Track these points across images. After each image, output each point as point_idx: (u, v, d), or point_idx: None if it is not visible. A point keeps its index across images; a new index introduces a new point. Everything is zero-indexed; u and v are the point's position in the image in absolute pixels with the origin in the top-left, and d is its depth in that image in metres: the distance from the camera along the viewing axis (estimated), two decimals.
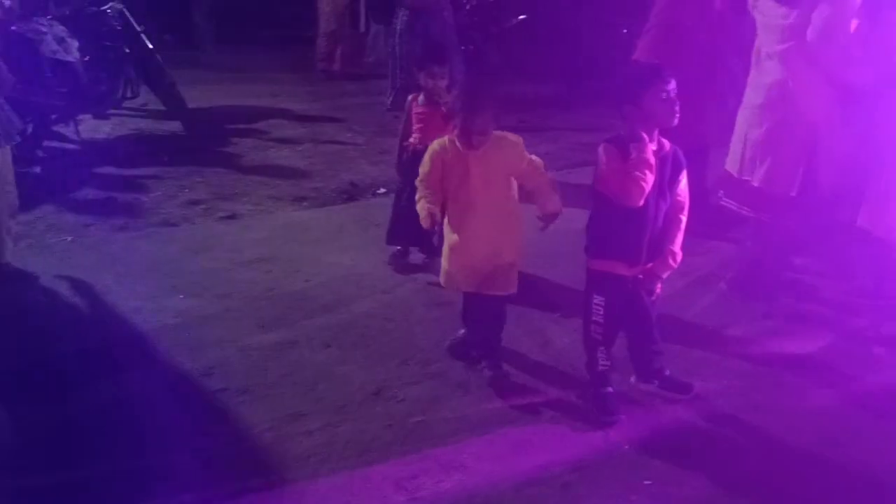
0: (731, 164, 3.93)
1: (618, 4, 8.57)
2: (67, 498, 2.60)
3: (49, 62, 6.16)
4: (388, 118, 7.92)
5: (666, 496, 2.62)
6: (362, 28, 11.73)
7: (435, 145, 3.16)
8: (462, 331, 3.43)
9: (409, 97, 4.25)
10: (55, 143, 6.55)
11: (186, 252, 4.34)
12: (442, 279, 3.28)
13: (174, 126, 7.29)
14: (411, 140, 4.07)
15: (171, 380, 3.26)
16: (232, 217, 5.16)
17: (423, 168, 3.17)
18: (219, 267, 4.31)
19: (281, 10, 12.68)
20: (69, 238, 4.75)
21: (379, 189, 5.75)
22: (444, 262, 3.24)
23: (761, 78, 3.78)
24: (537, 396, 3.15)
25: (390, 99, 7.40)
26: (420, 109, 4.08)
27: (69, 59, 6.32)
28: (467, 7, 8.74)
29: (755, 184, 3.78)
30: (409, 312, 3.82)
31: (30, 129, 6.11)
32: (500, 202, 3.14)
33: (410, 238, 4.21)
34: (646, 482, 2.67)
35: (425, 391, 3.18)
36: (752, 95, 3.83)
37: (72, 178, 5.86)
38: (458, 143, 3.08)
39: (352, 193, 5.70)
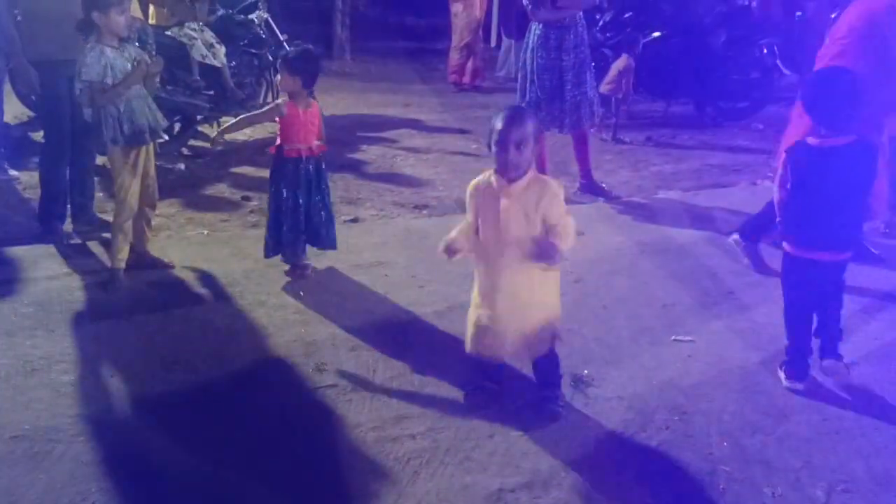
0: None
1: (758, 23, 8.28)
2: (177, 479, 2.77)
3: (197, 66, 6.58)
4: None
5: None
6: (494, 42, 11.85)
7: (471, 186, 3.00)
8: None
9: None
10: (199, 143, 6.98)
11: (310, 253, 4.51)
12: (467, 344, 3.06)
13: None
14: None
15: (284, 373, 3.39)
16: (355, 220, 5.32)
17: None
18: (339, 268, 4.46)
19: (416, 22, 12.97)
20: (205, 232, 5.04)
21: None
22: (468, 323, 3.04)
23: None
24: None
25: None
26: None
27: (217, 63, 6.73)
28: (601, 23, 8.65)
29: None
30: None
31: (177, 129, 6.56)
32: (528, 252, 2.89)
33: None
34: None
35: (528, 404, 3.16)
36: None
37: (212, 176, 6.23)
38: (493, 180, 2.90)
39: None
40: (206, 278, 4.28)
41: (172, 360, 3.46)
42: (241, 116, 4.68)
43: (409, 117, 8.58)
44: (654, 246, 4.87)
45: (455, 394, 3.22)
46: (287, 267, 4.32)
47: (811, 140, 3.23)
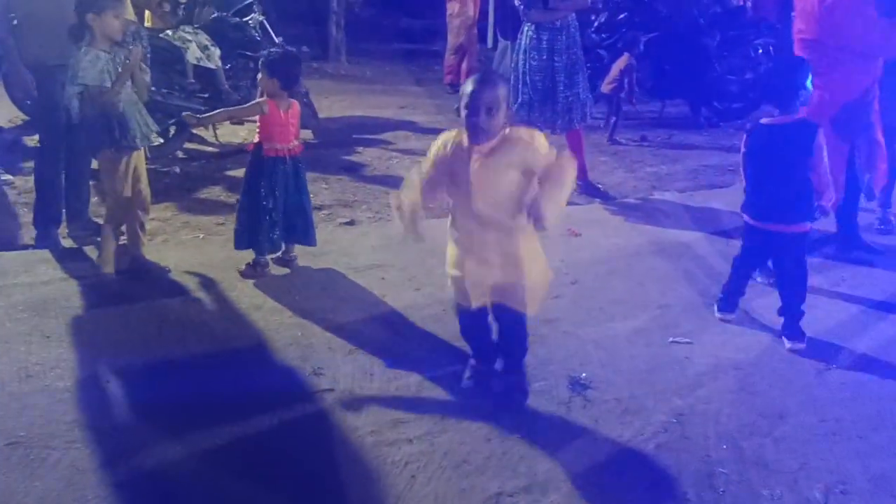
0: None
1: (753, 23, 8.29)
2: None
3: (192, 68, 6.57)
4: None
5: None
6: (490, 44, 11.85)
7: (440, 139, 2.92)
8: (472, 361, 3.27)
9: None
10: (195, 146, 6.97)
11: (305, 255, 4.50)
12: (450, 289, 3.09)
13: (305, 134, 7.59)
14: None
15: (281, 377, 3.38)
16: (351, 223, 5.31)
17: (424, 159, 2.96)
18: (335, 271, 4.45)
19: (412, 24, 12.97)
20: (201, 235, 5.03)
21: None
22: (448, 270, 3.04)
23: None
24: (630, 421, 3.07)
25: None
26: None
27: (211, 66, 6.72)
28: (595, 24, 8.66)
29: None
30: None
31: (172, 132, 6.54)
32: (506, 215, 2.86)
33: None
34: None
35: (527, 407, 3.16)
36: None
37: (207, 179, 6.22)
38: (464, 140, 2.82)
39: None
40: (203, 282, 4.26)
41: (169, 365, 3.45)
42: (222, 110, 4.70)
43: (405, 119, 8.57)
44: (650, 247, 4.87)
45: (452, 397, 3.21)
46: (248, 261, 4.31)
47: (764, 120, 3.65)
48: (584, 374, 3.38)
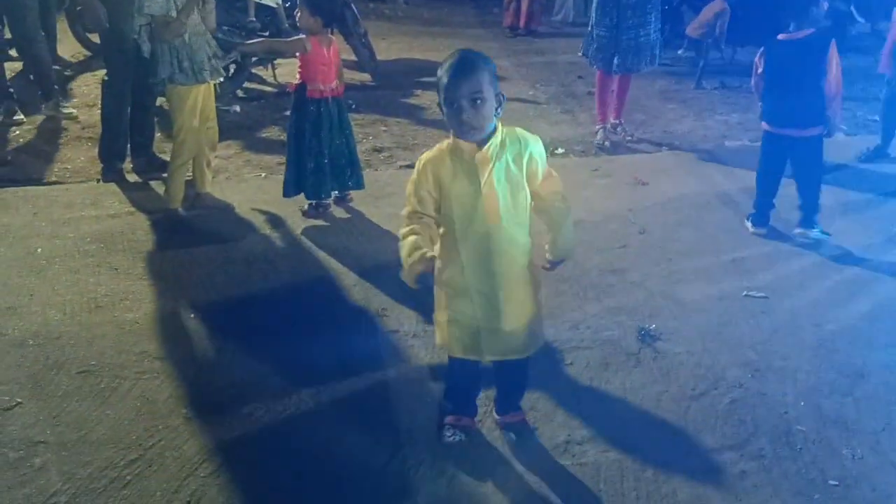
0: None
1: None
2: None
3: (254, 6, 6.49)
4: (571, 78, 7.76)
5: None
6: None
7: (424, 161, 2.32)
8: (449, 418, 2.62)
9: None
10: (255, 85, 6.93)
11: (368, 197, 4.45)
12: (438, 338, 2.50)
13: (363, 76, 7.51)
14: None
15: (346, 315, 3.36)
16: (411, 166, 5.19)
17: (409, 188, 2.36)
18: (396, 213, 4.38)
19: None
20: (263, 174, 5.01)
21: (557, 149, 5.63)
22: (438, 315, 2.47)
23: None
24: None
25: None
26: None
27: (272, 3, 6.63)
28: None
29: None
30: (584, 274, 3.72)
31: (231, 71, 6.50)
32: (523, 230, 2.36)
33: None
34: None
35: (595, 356, 3.09)
36: None
37: (266, 118, 6.18)
38: (463, 148, 2.26)
39: None
40: (267, 220, 4.25)
41: (234, 299, 3.47)
42: (263, 39, 4.59)
43: None
44: (721, 197, 4.70)
45: None
46: (310, 201, 4.28)
47: (782, 36, 3.98)
48: (653, 326, 3.29)
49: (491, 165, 2.25)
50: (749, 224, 4.21)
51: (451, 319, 2.41)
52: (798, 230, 4.09)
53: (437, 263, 2.31)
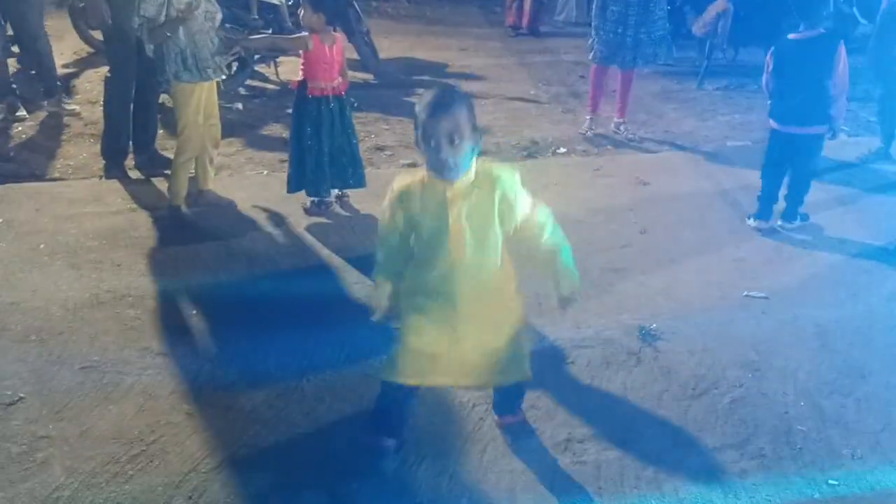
0: None
1: None
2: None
3: (257, 4, 6.50)
4: (574, 78, 7.76)
5: None
6: None
7: (397, 190, 2.27)
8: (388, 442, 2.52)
9: None
10: (257, 83, 6.94)
11: (369, 195, 4.45)
12: (397, 374, 2.39)
13: (366, 74, 7.51)
14: None
15: (348, 311, 3.36)
16: (413, 165, 5.24)
17: (385, 202, 2.32)
18: None
19: None
20: (265, 172, 5.02)
21: (559, 148, 5.64)
22: (401, 354, 2.38)
23: None
24: None
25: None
26: None
27: (275, 1, 6.64)
28: None
29: None
30: (586, 273, 3.72)
31: (234, 68, 6.51)
32: (489, 266, 2.29)
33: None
34: None
35: (596, 355, 3.10)
36: None
37: (269, 116, 6.19)
38: (436, 182, 2.21)
39: (531, 151, 5.62)
40: (268, 217, 4.26)
41: (236, 295, 3.48)
42: (267, 34, 4.59)
43: (466, 62, 8.39)
44: (723, 197, 4.70)
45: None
46: (308, 202, 4.29)
47: (792, 35, 4.06)
48: (654, 325, 3.30)
49: (462, 202, 2.21)
50: (751, 220, 4.28)
51: (410, 344, 2.34)
52: (779, 222, 4.25)
53: (405, 287, 2.36)
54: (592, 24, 5.69)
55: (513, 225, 2.28)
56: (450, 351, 2.33)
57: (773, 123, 4.19)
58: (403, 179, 2.28)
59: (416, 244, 2.32)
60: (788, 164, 4.20)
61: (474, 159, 2.22)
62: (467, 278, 2.27)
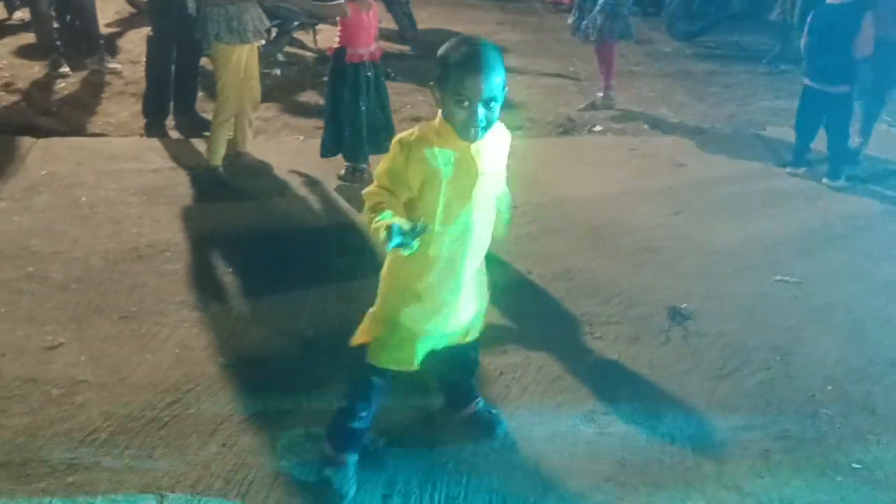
0: None
1: None
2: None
3: None
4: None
5: None
6: None
7: (412, 141, 2.02)
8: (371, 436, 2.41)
9: None
10: (295, 49, 6.96)
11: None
12: (375, 357, 2.22)
13: (402, 45, 7.50)
14: None
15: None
16: None
17: (381, 166, 2.08)
18: None
19: None
20: (301, 137, 5.06)
21: (595, 126, 5.61)
22: (381, 327, 2.21)
23: None
24: None
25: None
26: None
27: None
28: None
29: None
30: (617, 252, 3.73)
31: (273, 34, 6.53)
32: (490, 225, 2.18)
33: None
34: None
35: (624, 331, 3.11)
36: None
37: (306, 83, 6.22)
38: (447, 134, 1.99)
39: (567, 128, 5.60)
40: (304, 182, 4.31)
41: (270, 256, 3.53)
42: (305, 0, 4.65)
43: (503, 36, 8.33)
44: (760, 183, 4.65)
45: (550, 318, 3.18)
46: (347, 165, 4.33)
47: (829, 0, 4.50)
48: (684, 305, 3.30)
49: (485, 156, 2.06)
50: (787, 169, 4.74)
51: (397, 326, 2.17)
52: (824, 180, 4.59)
53: (396, 262, 2.15)
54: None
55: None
56: (437, 327, 2.18)
57: (805, 80, 4.66)
58: (412, 134, 2.03)
59: (421, 208, 2.05)
60: (819, 119, 4.61)
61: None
62: (480, 240, 2.15)
